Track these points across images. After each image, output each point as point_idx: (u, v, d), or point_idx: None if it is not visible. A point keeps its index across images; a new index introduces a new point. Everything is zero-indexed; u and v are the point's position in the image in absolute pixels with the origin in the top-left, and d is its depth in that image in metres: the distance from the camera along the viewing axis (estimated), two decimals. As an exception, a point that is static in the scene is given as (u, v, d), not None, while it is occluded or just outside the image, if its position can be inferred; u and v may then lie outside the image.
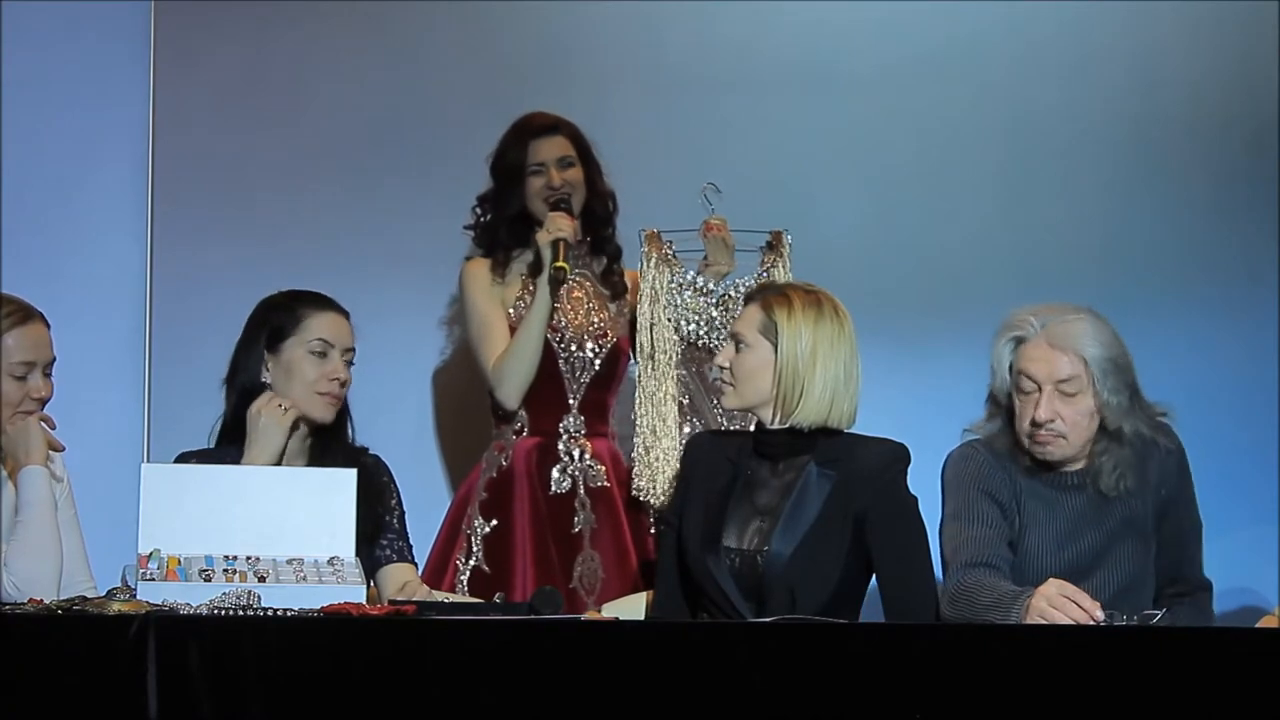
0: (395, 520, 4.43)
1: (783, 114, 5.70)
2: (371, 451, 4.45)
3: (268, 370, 4.34)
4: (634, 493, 4.92)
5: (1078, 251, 5.75)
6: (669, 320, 4.92)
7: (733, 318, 4.82)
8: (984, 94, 5.76)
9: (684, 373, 4.95)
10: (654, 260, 4.94)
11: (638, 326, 4.95)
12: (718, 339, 4.90)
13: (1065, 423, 4.19)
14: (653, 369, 4.92)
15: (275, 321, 4.37)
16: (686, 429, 4.93)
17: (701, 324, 4.93)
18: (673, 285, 4.93)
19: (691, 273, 4.95)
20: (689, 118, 5.68)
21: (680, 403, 4.94)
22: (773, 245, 4.96)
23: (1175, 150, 5.78)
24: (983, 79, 5.76)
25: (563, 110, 5.10)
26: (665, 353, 4.92)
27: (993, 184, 5.77)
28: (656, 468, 4.89)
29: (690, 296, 4.93)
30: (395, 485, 4.47)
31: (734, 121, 5.69)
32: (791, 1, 5.71)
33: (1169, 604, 4.36)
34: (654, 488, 4.89)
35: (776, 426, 4.35)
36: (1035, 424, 4.18)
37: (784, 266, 4.95)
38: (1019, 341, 4.22)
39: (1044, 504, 4.28)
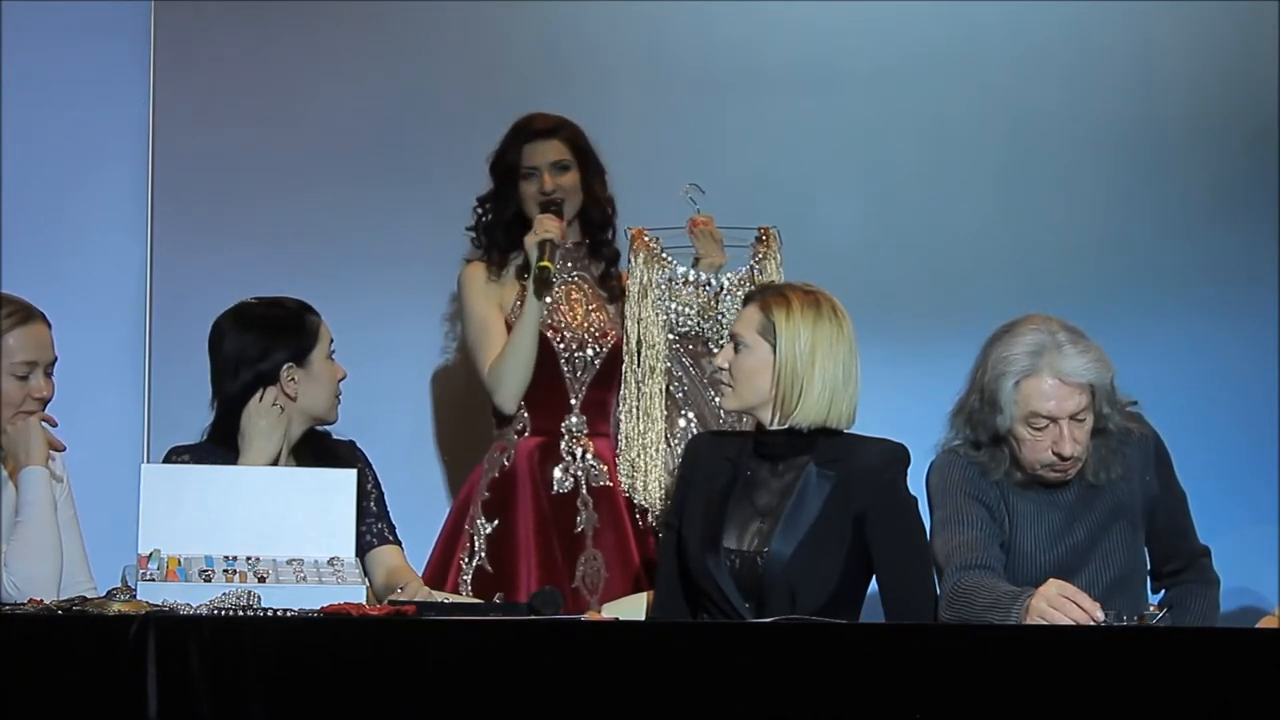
0: (373, 503, 4.44)
1: (783, 114, 5.70)
2: (348, 439, 4.47)
3: (294, 382, 4.34)
4: (621, 487, 4.92)
5: (1078, 251, 5.74)
6: (657, 314, 4.91)
7: (731, 307, 4.83)
8: (984, 94, 5.75)
9: (676, 365, 4.95)
10: (642, 257, 4.93)
11: (625, 322, 4.94)
12: (715, 330, 4.90)
13: (1080, 446, 4.21)
14: (638, 364, 4.91)
15: (296, 334, 4.36)
16: (681, 422, 4.93)
17: (694, 316, 4.92)
18: (664, 280, 4.92)
19: (683, 267, 4.94)
20: (689, 118, 5.68)
21: (674, 395, 4.94)
22: (761, 239, 4.96)
23: (1175, 150, 5.78)
24: (983, 79, 5.75)
25: (563, 110, 5.10)
26: (652, 347, 4.91)
27: (993, 184, 5.76)
28: (638, 464, 4.89)
29: (684, 289, 4.92)
30: (371, 468, 4.49)
31: (734, 121, 5.68)
32: (791, 1, 5.71)
33: (1167, 583, 4.41)
34: (635, 483, 4.89)
35: (776, 427, 4.35)
36: (1062, 458, 4.20)
37: (775, 260, 4.94)
38: (1022, 378, 4.21)
39: (1034, 503, 4.29)
